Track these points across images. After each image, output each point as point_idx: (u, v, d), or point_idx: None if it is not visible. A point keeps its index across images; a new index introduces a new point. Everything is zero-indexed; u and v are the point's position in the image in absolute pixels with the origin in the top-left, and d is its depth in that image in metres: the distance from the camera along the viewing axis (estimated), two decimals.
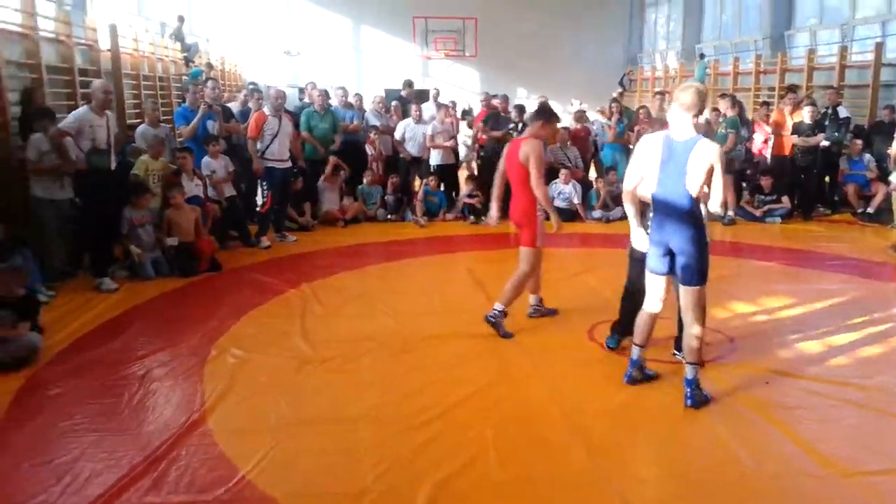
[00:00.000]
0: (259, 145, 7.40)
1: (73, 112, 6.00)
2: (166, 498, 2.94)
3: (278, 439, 3.42)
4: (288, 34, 19.67)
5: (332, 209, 8.84)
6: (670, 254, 3.69)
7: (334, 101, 9.55)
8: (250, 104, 8.70)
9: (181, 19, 14.93)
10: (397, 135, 9.47)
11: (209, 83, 8.37)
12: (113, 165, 6.09)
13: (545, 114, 4.98)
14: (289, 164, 7.71)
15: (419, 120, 9.42)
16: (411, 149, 9.41)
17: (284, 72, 19.02)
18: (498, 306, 4.82)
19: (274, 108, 7.50)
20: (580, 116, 10.56)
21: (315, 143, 8.75)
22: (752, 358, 4.47)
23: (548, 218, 4.92)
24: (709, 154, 3.47)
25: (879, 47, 11.09)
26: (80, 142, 5.74)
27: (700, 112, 3.56)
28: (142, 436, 3.44)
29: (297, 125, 8.43)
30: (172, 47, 12.75)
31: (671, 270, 3.73)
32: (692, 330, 3.72)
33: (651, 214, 3.79)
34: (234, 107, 9.26)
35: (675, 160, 3.56)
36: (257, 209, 8.46)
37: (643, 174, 3.75)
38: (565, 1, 20.14)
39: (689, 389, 3.75)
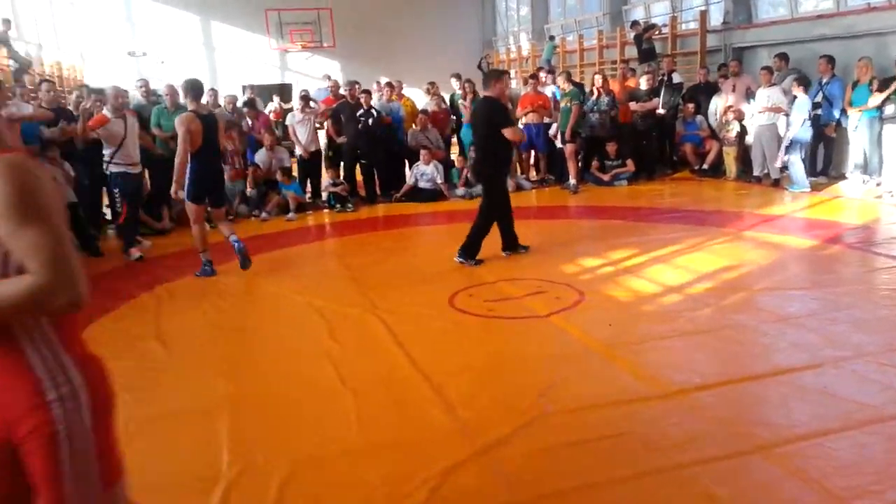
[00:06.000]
0: (106, 151, 6.94)
1: None
2: None
3: (126, 439, 3.26)
4: (132, 35, 18.58)
5: None
6: None
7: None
8: (86, 105, 8.14)
9: (6, 23, 13.67)
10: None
11: (43, 86, 7.76)
12: None
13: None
14: (140, 167, 7.22)
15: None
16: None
17: (130, 73, 17.95)
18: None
19: (114, 108, 6.95)
20: (439, 101, 10.71)
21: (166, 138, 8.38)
22: (597, 305, 4.79)
23: None
24: None
25: (704, 15, 12.05)
26: None
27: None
28: None
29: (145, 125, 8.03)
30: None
31: None
32: None
33: None
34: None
35: None
36: (112, 220, 7.91)
37: None
38: None
39: None
